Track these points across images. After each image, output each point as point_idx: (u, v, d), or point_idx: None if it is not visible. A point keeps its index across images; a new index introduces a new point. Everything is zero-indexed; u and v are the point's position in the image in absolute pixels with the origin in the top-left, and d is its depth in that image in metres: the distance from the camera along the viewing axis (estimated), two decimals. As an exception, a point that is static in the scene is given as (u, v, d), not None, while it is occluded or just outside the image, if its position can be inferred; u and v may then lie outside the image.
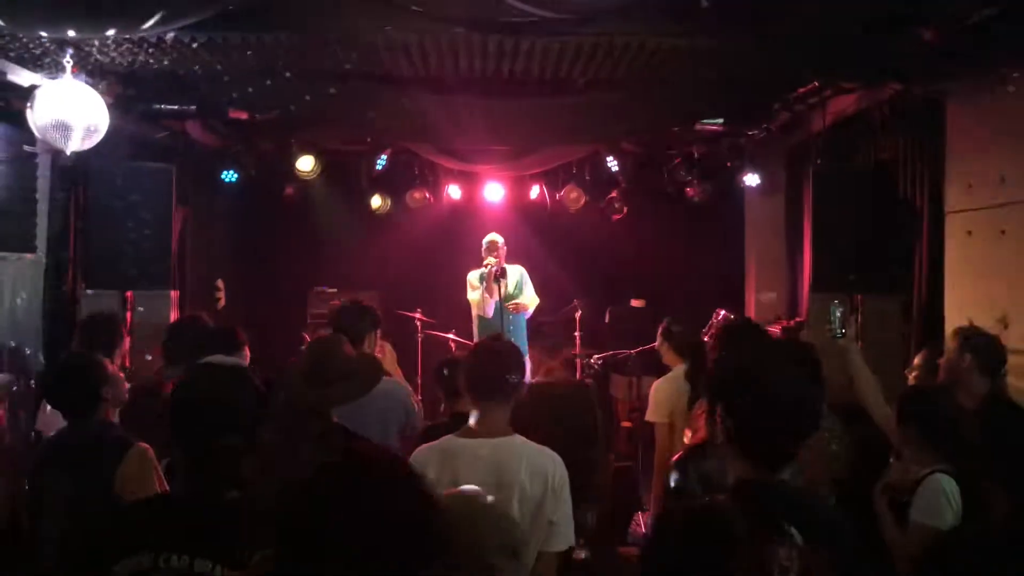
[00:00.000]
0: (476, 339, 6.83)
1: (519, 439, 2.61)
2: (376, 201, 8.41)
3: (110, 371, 3.13)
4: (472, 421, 2.64)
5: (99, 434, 2.94)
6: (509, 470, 2.50)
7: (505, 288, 6.72)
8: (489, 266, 6.70)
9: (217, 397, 2.00)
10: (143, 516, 1.99)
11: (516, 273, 6.95)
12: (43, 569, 2.83)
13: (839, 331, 3.28)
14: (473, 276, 6.95)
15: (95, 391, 3.00)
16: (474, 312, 6.98)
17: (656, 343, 4.81)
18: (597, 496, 4.06)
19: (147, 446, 2.87)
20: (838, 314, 3.29)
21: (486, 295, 6.75)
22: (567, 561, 2.83)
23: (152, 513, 2.00)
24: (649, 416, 4.36)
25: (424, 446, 2.70)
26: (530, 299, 6.93)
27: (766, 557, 1.62)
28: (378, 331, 4.06)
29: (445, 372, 3.72)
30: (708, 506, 1.78)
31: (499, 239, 6.90)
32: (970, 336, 3.61)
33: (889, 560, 2.84)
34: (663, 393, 4.31)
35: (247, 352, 4.12)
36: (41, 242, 5.40)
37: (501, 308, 6.66)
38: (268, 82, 5.01)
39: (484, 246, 6.88)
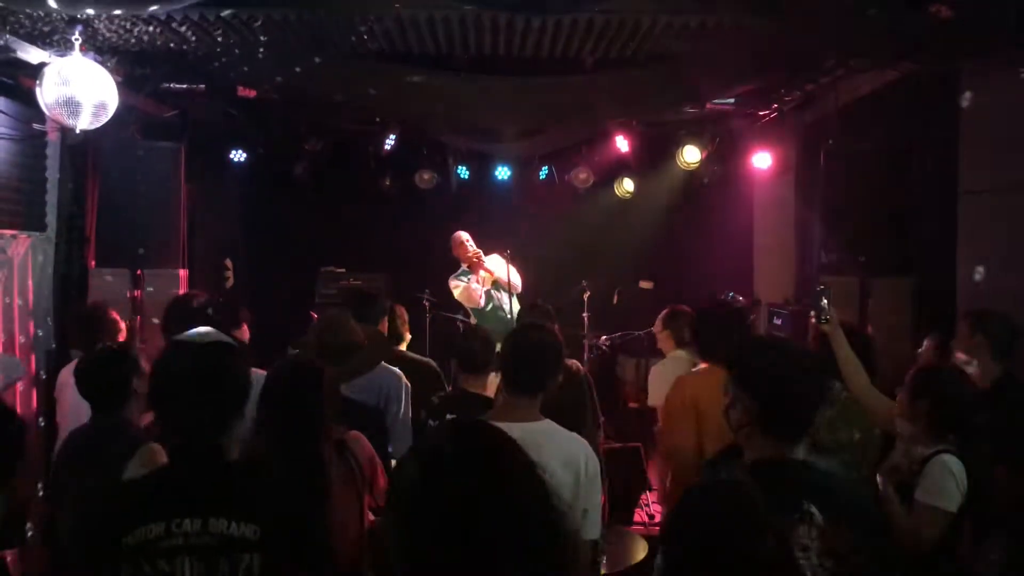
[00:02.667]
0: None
1: (549, 425, 2.59)
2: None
3: (142, 365, 3.08)
4: (502, 403, 2.64)
5: (115, 431, 2.92)
6: (539, 455, 2.46)
7: (490, 277, 6.66)
8: (471, 260, 6.62)
9: (192, 369, 2.01)
10: (148, 487, 2.01)
11: (500, 263, 6.82)
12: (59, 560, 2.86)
13: (824, 316, 3.26)
14: (453, 280, 6.81)
15: (125, 385, 2.98)
16: (468, 307, 6.92)
17: (655, 329, 4.78)
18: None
19: (158, 447, 2.86)
20: (823, 299, 3.26)
21: (475, 285, 6.62)
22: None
23: (157, 483, 2.02)
24: (651, 401, 4.36)
25: None
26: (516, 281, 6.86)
27: (787, 535, 1.63)
28: (386, 318, 4.07)
29: (466, 346, 3.63)
30: (730, 484, 1.78)
31: (466, 236, 6.80)
32: (983, 317, 3.59)
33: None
34: (662, 377, 4.31)
35: (246, 329, 4.12)
36: (51, 220, 5.42)
37: (491, 293, 6.61)
38: (276, 61, 4.99)
39: (455, 245, 6.78)
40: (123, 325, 4.49)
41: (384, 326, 4.09)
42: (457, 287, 6.72)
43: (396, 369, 3.76)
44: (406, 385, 3.70)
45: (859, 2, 3.77)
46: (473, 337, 3.67)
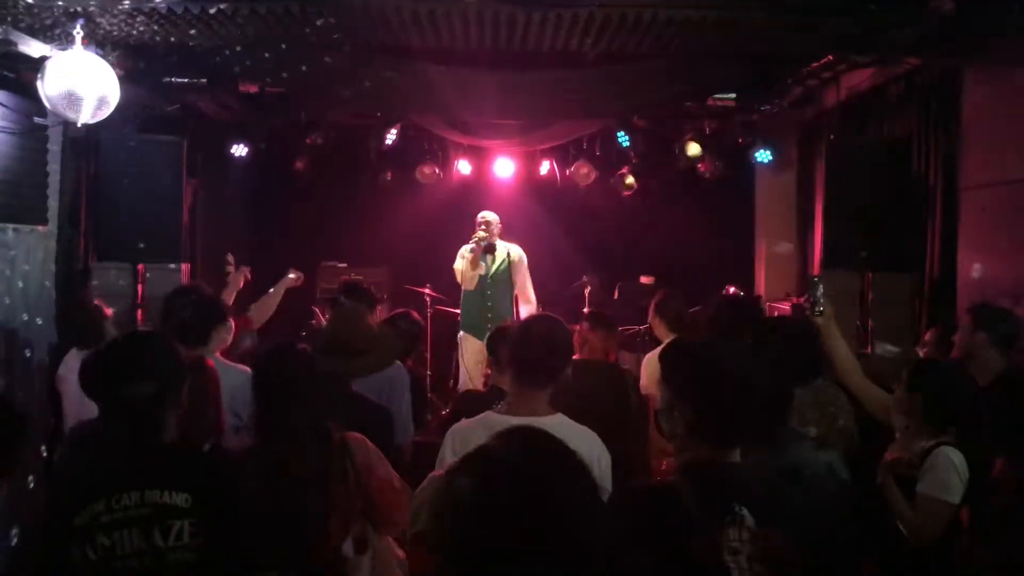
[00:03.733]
0: (461, 311, 6.90)
1: (561, 419, 2.57)
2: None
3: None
4: (512, 397, 2.61)
5: None
6: None
7: (492, 263, 6.70)
8: (478, 240, 6.65)
9: (123, 355, 2.20)
10: (92, 469, 2.15)
11: (512, 253, 6.84)
12: None
13: (819, 308, 3.26)
14: (464, 248, 6.86)
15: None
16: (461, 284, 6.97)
17: (648, 316, 4.79)
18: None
19: None
20: (819, 291, 3.26)
21: (468, 267, 6.68)
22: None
23: (100, 464, 2.14)
24: (643, 388, 4.34)
25: (466, 420, 2.68)
26: (526, 299, 6.85)
27: (716, 537, 1.62)
28: (377, 310, 4.06)
29: (496, 344, 3.57)
30: (661, 486, 1.77)
31: (493, 217, 6.83)
32: (984, 312, 3.60)
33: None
34: (654, 366, 4.31)
35: (232, 323, 4.06)
36: (52, 215, 5.41)
37: (486, 282, 6.66)
38: (278, 54, 4.99)
39: (477, 221, 6.83)
40: (108, 312, 4.49)
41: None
42: (462, 259, 6.80)
43: (398, 362, 3.77)
44: (412, 379, 3.73)
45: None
46: (506, 336, 3.61)
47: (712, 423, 1.96)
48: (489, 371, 4.43)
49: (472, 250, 6.70)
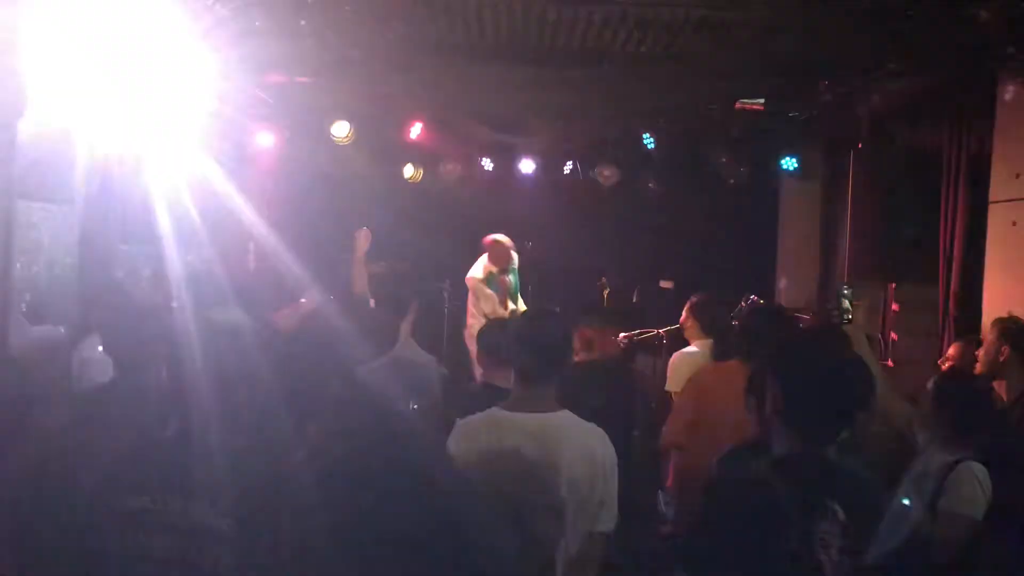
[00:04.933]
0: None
1: (567, 415, 2.55)
2: (409, 170, 8.40)
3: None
4: (517, 394, 2.59)
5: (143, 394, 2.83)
6: (556, 447, 2.44)
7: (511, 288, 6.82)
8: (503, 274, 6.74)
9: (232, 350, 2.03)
10: (146, 457, 2.02)
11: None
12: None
13: (846, 316, 3.23)
14: (482, 269, 6.90)
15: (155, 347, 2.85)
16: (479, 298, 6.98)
17: (682, 318, 4.78)
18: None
19: None
20: (845, 299, 3.23)
21: (498, 307, 6.75)
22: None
23: (155, 455, 2.02)
24: (668, 386, 4.36)
25: (471, 417, 2.65)
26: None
27: (810, 531, 1.61)
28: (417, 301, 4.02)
29: (488, 340, 3.51)
30: (756, 479, 1.77)
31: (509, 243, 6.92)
32: (1009, 327, 3.56)
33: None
34: (684, 365, 4.31)
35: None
36: (78, 194, 5.45)
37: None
38: (305, 43, 5.00)
39: (492, 249, 6.86)
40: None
41: (414, 311, 4.04)
42: (487, 300, 6.85)
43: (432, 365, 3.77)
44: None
45: (898, 4, 3.73)
46: (498, 329, 3.61)
47: (800, 415, 1.98)
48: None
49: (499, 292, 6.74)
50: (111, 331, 3.04)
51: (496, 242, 6.87)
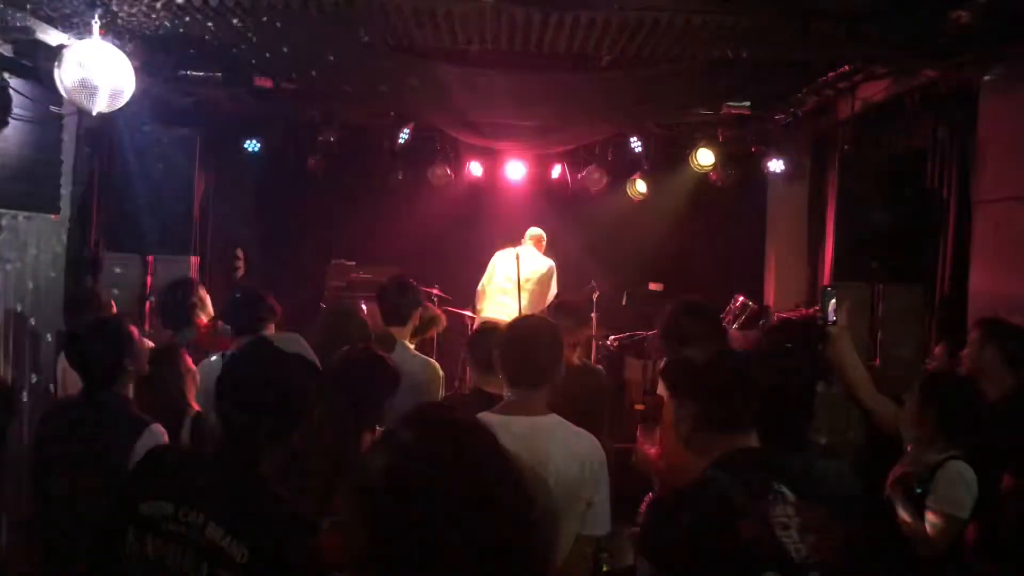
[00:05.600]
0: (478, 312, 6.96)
1: (556, 419, 2.57)
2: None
3: (136, 341, 3.00)
4: (507, 399, 2.59)
5: (112, 409, 2.85)
6: (544, 450, 2.46)
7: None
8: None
9: (270, 375, 2.00)
10: (175, 463, 2.00)
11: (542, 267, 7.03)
12: (49, 530, 2.83)
13: (832, 318, 3.24)
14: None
15: (118, 360, 2.88)
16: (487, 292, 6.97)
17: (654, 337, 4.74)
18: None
19: (160, 428, 2.81)
20: (832, 301, 3.24)
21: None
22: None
23: (184, 463, 2.01)
24: (661, 390, 4.32)
25: None
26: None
27: (766, 515, 1.63)
28: (420, 309, 4.02)
29: (479, 346, 3.49)
30: (700, 480, 1.78)
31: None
32: (994, 327, 3.57)
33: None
34: None
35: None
36: (65, 203, 5.44)
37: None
38: (294, 49, 5.00)
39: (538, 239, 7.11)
40: (114, 309, 4.49)
41: (416, 321, 4.04)
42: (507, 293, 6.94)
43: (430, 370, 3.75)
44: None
45: (878, 5, 3.75)
46: (489, 336, 3.59)
47: (716, 406, 2.00)
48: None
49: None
50: (71, 342, 3.02)
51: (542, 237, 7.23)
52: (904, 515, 2.87)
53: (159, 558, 1.84)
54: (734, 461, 1.91)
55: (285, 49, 4.94)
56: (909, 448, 3.05)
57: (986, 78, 4.58)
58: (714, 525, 1.56)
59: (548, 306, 6.53)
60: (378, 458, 1.27)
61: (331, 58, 5.12)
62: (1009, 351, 3.49)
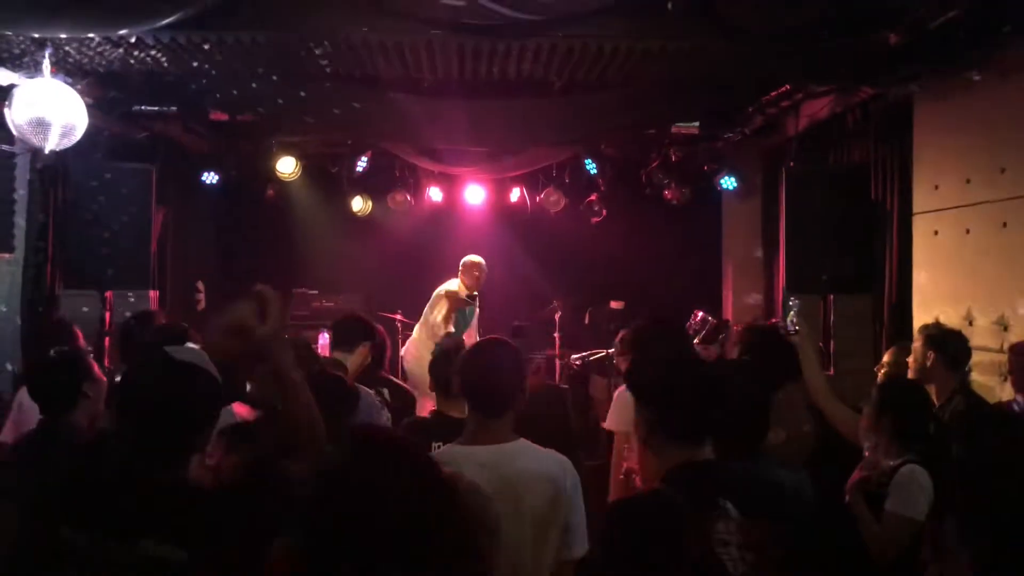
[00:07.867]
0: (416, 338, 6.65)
1: (523, 443, 2.49)
2: (358, 203, 8.44)
3: (95, 371, 3.05)
4: (469, 427, 2.51)
5: (60, 435, 2.85)
6: (513, 476, 2.37)
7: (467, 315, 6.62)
8: (469, 296, 6.51)
9: (170, 386, 1.95)
10: (93, 488, 1.93)
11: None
12: None
13: (792, 328, 3.34)
14: (447, 291, 6.54)
15: (74, 389, 2.92)
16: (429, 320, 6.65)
17: (615, 351, 4.43)
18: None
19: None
20: (792, 312, 3.35)
21: (443, 324, 6.36)
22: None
23: (103, 487, 1.93)
24: (608, 424, 3.80)
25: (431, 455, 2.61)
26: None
27: (707, 531, 1.67)
28: (368, 343, 4.04)
29: (440, 370, 3.42)
30: (646, 495, 1.82)
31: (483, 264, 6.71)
32: (934, 334, 3.70)
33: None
34: (628, 400, 4.19)
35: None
36: (19, 242, 5.39)
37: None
38: (248, 83, 5.04)
39: (471, 270, 6.61)
40: (80, 338, 4.46)
41: (365, 352, 4.06)
42: (439, 312, 6.48)
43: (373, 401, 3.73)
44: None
45: (812, 28, 3.91)
46: (450, 358, 3.42)
47: (672, 416, 2.02)
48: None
49: (455, 303, 6.40)
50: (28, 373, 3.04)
51: (476, 264, 6.64)
52: (863, 519, 2.95)
53: None
54: (683, 475, 1.93)
55: (238, 85, 4.97)
56: (868, 453, 3.15)
57: (917, 95, 4.77)
58: (655, 540, 1.59)
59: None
60: (316, 483, 1.31)
61: (288, 93, 5.17)
62: (950, 354, 3.63)
